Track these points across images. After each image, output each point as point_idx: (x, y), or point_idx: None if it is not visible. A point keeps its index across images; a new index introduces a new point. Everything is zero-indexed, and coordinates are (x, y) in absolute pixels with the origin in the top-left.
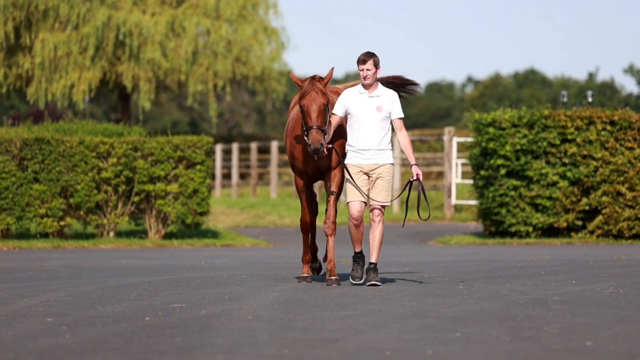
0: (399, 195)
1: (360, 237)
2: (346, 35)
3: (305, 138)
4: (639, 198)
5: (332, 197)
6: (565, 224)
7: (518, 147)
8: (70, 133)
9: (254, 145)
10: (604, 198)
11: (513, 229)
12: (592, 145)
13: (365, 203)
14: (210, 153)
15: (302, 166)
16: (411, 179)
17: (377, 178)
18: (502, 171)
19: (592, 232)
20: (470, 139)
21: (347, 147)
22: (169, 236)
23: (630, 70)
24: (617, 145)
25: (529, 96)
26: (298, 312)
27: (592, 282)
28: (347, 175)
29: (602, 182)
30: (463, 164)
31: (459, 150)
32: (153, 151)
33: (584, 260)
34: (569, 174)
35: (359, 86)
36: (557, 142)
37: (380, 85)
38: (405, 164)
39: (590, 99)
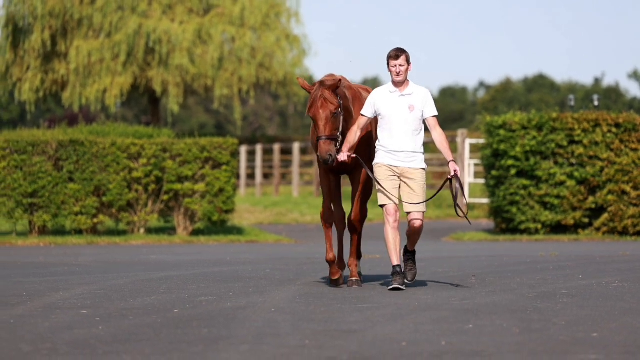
0: (435, 195)
1: (397, 246)
2: (364, 42)
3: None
4: None
5: (357, 195)
6: (572, 222)
7: (528, 148)
8: (103, 135)
9: (276, 147)
10: (610, 197)
11: (523, 226)
12: (598, 146)
13: (398, 205)
14: (235, 154)
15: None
16: (449, 176)
17: (408, 184)
18: (513, 171)
19: (598, 229)
20: (482, 141)
21: (377, 147)
22: (196, 233)
23: (635, 75)
24: (622, 147)
25: (537, 100)
26: (318, 305)
27: (598, 277)
28: (376, 179)
29: (607, 182)
30: (475, 165)
31: (471, 151)
32: (181, 152)
33: (590, 256)
34: (576, 173)
35: (389, 85)
36: (565, 143)
37: (411, 82)
38: (435, 163)
39: (596, 103)
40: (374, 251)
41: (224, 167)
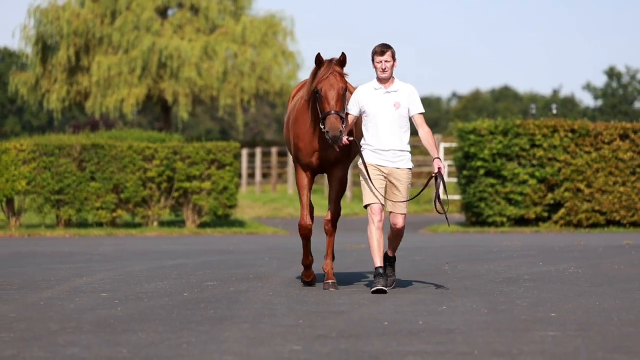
0: (418, 195)
1: (381, 247)
2: (351, 56)
3: (322, 126)
4: (595, 193)
5: (336, 194)
6: (533, 215)
7: (495, 151)
8: (121, 139)
9: (274, 150)
10: (566, 193)
11: (490, 220)
12: (556, 149)
13: (384, 205)
14: (237, 156)
15: (307, 159)
16: (433, 174)
17: (394, 184)
18: (481, 171)
19: (556, 222)
20: (454, 144)
21: (363, 146)
22: (203, 225)
23: (588, 87)
24: (577, 150)
25: (503, 109)
26: (310, 289)
27: (556, 264)
28: (363, 177)
29: (564, 180)
30: (449, 165)
31: (445, 154)
32: (190, 154)
33: (549, 246)
34: (537, 173)
35: (374, 81)
36: (527, 146)
37: (396, 79)
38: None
39: (554, 111)
40: (360, 241)
41: (227, 168)
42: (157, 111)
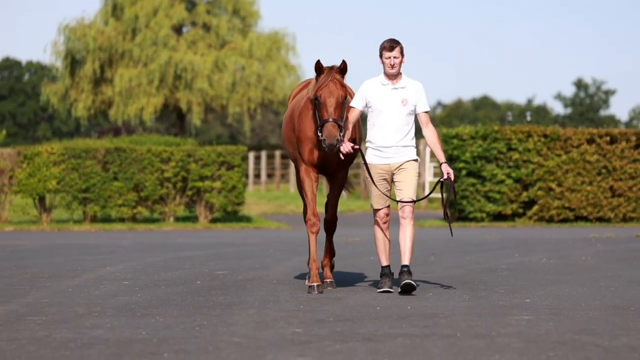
0: (427, 196)
1: (388, 247)
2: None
3: (319, 134)
4: (565, 192)
5: (336, 197)
6: (510, 212)
7: (475, 154)
8: (141, 144)
9: (277, 153)
10: (539, 192)
11: (471, 215)
12: (530, 152)
13: (389, 206)
14: (245, 158)
15: (310, 156)
16: (441, 179)
17: (400, 174)
18: (463, 172)
19: (530, 218)
20: None
21: (366, 144)
22: (214, 221)
23: (558, 97)
24: (549, 153)
25: (483, 116)
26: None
27: (530, 255)
28: (367, 181)
29: (537, 180)
30: (434, 167)
31: (431, 156)
32: (202, 157)
33: (524, 239)
34: (513, 174)
35: (381, 77)
36: (504, 150)
37: (404, 75)
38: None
39: (528, 118)
40: (356, 235)
41: (236, 169)
42: (173, 118)
